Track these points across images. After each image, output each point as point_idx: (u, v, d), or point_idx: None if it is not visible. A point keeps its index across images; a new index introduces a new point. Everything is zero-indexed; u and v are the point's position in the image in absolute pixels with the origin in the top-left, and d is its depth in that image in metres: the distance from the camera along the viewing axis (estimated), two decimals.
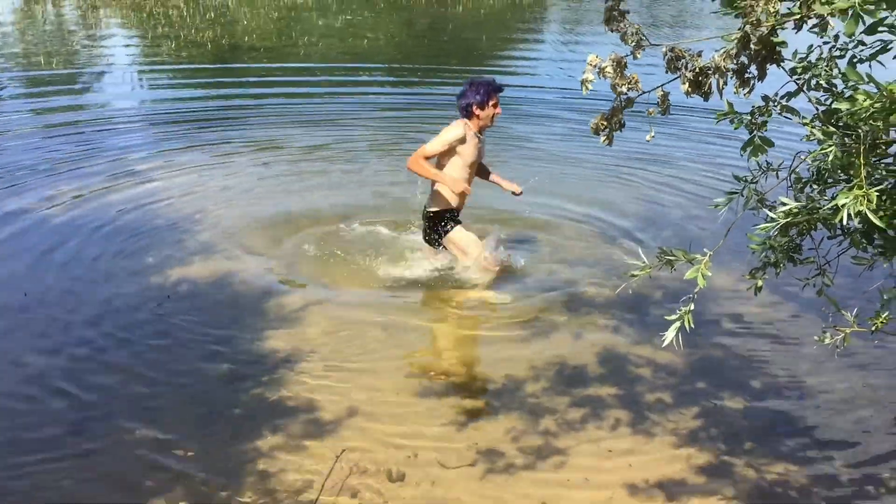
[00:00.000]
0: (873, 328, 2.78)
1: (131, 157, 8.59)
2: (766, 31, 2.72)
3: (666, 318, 2.69)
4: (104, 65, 14.20)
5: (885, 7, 2.46)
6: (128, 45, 16.19)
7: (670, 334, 2.64)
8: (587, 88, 2.76)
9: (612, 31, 2.77)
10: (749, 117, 2.84)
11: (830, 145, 2.52)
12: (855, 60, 2.69)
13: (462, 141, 5.67)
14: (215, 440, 4.07)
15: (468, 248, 5.92)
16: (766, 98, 2.87)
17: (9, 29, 17.35)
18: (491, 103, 5.63)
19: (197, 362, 4.79)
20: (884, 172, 2.64)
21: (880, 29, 2.52)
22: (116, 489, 3.72)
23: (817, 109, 2.75)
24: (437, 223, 5.89)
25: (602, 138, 2.98)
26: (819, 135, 2.62)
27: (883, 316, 2.78)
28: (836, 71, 2.75)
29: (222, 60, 14.65)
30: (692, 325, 2.62)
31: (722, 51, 2.74)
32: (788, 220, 2.67)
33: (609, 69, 2.73)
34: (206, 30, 17.28)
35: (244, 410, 4.33)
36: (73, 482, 3.74)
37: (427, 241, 6.09)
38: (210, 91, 12.25)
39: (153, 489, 3.69)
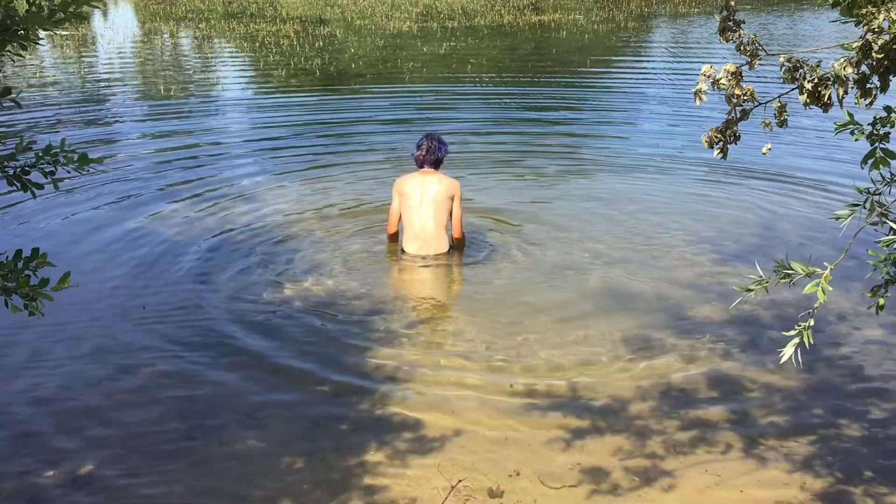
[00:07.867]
0: None
1: (243, 181, 8.87)
2: (889, 40, 2.62)
3: (784, 333, 2.60)
4: (218, 91, 14.76)
5: None
6: (240, 73, 16.81)
7: (789, 350, 2.55)
8: (701, 99, 2.71)
9: (727, 41, 2.72)
10: (871, 128, 2.74)
11: None
12: None
13: None
14: (320, 453, 4.13)
15: None
16: (888, 109, 2.76)
17: (129, 58, 18.25)
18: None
19: (303, 375, 4.89)
20: None
21: None
22: (222, 499, 3.81)
23: None
24: None
25: (716, 151, 2.91)
26: None
27: None
28: None
29: (330, 86, 15.04)
30: (812, 342, 2.52)
31: (842, 59, 2.65)
32: None
33: (724, 80, 2.67)
34: (315, 58, 17.78)
35: (349, 425, 4.38)
36: (181, 489, 3.85)
37: None
38: (318, 115, 12.58)
39: (259, 500, 3.78)
